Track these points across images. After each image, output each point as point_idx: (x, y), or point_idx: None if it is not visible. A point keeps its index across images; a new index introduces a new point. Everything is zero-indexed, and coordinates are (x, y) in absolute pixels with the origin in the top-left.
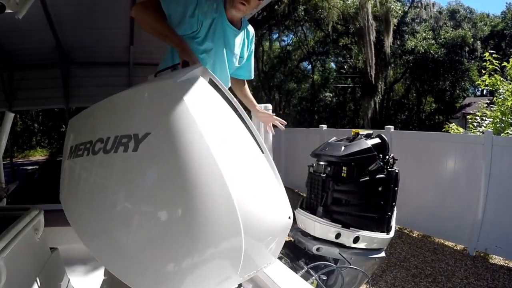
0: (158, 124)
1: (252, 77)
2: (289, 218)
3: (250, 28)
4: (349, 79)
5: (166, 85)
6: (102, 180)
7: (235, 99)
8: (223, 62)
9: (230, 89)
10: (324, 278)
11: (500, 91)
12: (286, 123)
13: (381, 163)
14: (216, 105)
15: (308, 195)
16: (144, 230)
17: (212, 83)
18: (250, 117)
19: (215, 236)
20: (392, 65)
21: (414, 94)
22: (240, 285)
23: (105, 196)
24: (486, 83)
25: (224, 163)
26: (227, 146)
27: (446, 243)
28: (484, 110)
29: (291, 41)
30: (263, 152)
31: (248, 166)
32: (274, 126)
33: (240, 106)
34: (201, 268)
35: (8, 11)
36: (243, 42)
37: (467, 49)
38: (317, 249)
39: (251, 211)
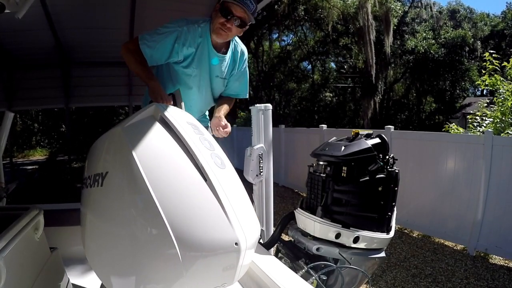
0: (112, 164)
1: (246, 96)
2: (236, 244)
3: (241, 48)
4: (349, 79)
5: (116, 131)
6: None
7: (184, 132)
8: (208, 85)
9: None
10: (324, 278)
11: (500, 91)
12: (226, 135)
13: (381, 163)
14: (160, 141)
15: (308, 195)
16: (111, 244)
17: (162, 120)
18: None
19: (152, 249)
20: (392, 65)
21: (414, 94)
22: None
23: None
24: (486, 83)
25: (158, 192)
26: (163, 178)
27: (446, 243)
28: (484, 110)
29: (291, 41)
30: (205, 180)
31: (183, 194)
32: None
33: (190, 137)
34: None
35: (8, 11)
36: (229, 64)
37: (467, 49)
38: (317, 249)
39: (184, 231)
